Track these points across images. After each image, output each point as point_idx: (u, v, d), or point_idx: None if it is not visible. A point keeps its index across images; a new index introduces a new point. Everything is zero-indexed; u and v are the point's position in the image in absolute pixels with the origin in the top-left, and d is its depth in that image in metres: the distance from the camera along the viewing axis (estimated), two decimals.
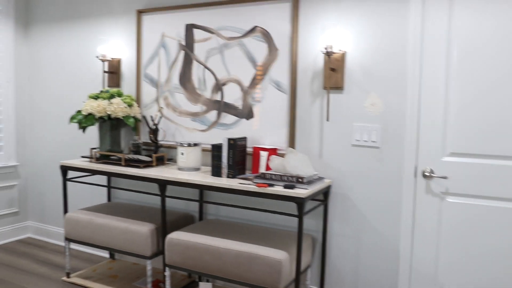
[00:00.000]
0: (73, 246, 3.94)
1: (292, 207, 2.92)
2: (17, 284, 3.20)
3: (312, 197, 2.55)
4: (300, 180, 2.51)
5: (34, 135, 4.19)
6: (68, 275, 3.30)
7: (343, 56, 2.70)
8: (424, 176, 2.56)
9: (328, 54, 2.62)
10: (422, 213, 2.60)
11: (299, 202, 2.40)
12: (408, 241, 2.64)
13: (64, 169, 3.26)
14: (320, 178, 2.72)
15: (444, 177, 2.51)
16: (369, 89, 2.66)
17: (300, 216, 2.41)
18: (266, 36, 2.93)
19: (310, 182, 2.55)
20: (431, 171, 2.55)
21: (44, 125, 4.11)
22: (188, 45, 3.24)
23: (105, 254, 3.79)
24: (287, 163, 2.57)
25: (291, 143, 2.90)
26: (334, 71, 2.72)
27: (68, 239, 3.22)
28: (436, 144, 2.53)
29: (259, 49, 2.96)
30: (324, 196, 2.81)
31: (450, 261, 2.55)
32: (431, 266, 2.60)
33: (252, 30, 2.98)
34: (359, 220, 2.77)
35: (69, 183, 3.93)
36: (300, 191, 2.41)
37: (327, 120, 2.74)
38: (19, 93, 4.11)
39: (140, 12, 3.41)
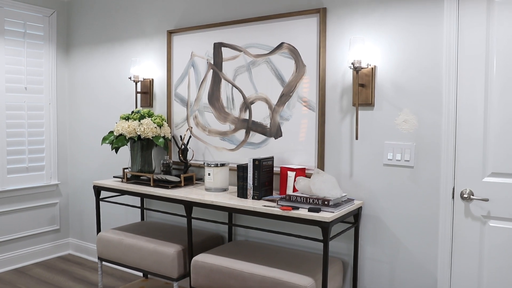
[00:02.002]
0: (108, 263, 3.99)
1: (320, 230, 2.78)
2: None
3: (340, 220, 2.41)
4: (326, 202, 2.38)
5: (73, 154, 4.31)
6: None
7: (372, 71, 2.57)
8: (463, 198, 2.36)
9: (357, 69, 2.50)
10: (461, 237, 2.39)
11: (324, 226, 2.27)
12: (446, 267, 2.43)
13: (97, 189, 3.31)
14: (349, 200, 2.58)
15: (485, 200, 2.30)
16: (401, 105, 2.51)
17: (325, 241, 2.28)
18: (293, 53, 2.85)
19: (337, 204, 2.42)
20: (471, 193, 2.35)
21: (82, 145, 4.22)
22: (216, 64, 3.22)
23: (139, 272, 3.80)
24: (312, 185, 2.46)
25: (320, 162, 2.78)
26: (363, 86, 2.59)
27: (101, 259, 3.25)
28: (475, 163, 2.33)
29: (286, 66, 2.89)
30: (354, 218, 2.66)
31: None
32: None
33: (279, 46, 2.91)
34: (392, 244, 2.59)
35: (105, 202, 3.99)
36: (325, 215, 2.29)
37: (356, 138, 2.60)
38: (59, 115, 4.26)
39: (170, 33, 3.44)
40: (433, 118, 2.42)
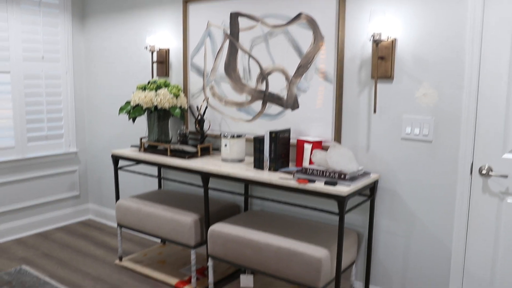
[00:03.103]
0: (127, 230, 4.10)
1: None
2: (74, 266, 3.38)
3: (356, 194, 2.43)
4: (342, 176, 2.40)
5: (91, 123, 4.36)
6: (120, 258, 3.43)
7: (392, 44, 2.52)
8: (481, 174, 2.35)
9: (376, 42, 2.45)
10: (478, 213, 2.39)
11: (340, 200, 2.29)
12: (461, 242, 2.45)
13: (115, 158, 3.37)
14: (366, 173, 2.59)
15: (505, 176, 2.29)
16: (421, 78, 2.47)
17: (341, 215, 2.31)
18: (312, 24, 2.80)
19: (353, 178, 2.43)
20: (489, 169, 2.33)
21: (100, 114, 4.26)
22: (233, 34, 3.18)
23: (157, 239, 3.91)
24: (329, 158, 2.46)
25: (337, 135, 2.77)
26: (383, 59, 2.55)
27: (120, 225, 3.35)
28: (496, 139, 2.30)
29: (304, 37, 2.84)
30: (371, 191, 2.67)
31: (508, 266, 2.34)
32: (486, 270, 2.40)
33: (297, 17, 2.86)
34: (408, 217, 2.61)
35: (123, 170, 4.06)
36: (341, 189, 2.30)
37: (375, 111, 2.58)
38: (77, 84, 4.28)
39: (186, 2, 3.39)
40: (454, 92, 2.38)
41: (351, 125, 2.74)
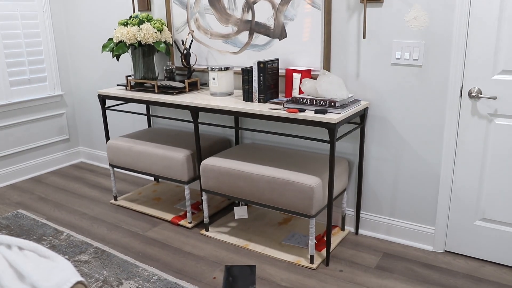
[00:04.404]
0: (120, 170, 4.12)
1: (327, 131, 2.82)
2: (71, 207, 3.42)
3: (346, 121, 2.42)
4: (332, 104, 2.38)
5: (75, 64, 4.24)
6: (115, 198, 3.47)
7: None
8: (471, 96, 2.35)
9: None
10: (467, 136, 2.42)
11: (330, 127, 2.29)
12: (449, 165, 2.49)
13: (102, 98, 3.31)
14: (356, 101, 2.57)
15: (494, 98, 2.29)
16: (412, 1, 2.39)
17: (331, 142, 2.32)
18: None
19: (343, 106, 2.42)
20: (479, 91, 2.33)
21: (83, 53, 4.13)
22: None
23: (150, 177, 3.94)
24: (319, 86, 2.43)
25: (326, 63, 2.72)
26: None
27: (112, 165, 3.35)
28: (485, 61, 2.28)
29: None
30: (361, 118, 2.67)
31: (495, 188, 2.40)
32: (473, 192, 2.47)
33: None
34: (398, 143, 2.63)
35: (111, 110, 4.01)
36: (332, 116, 2.29)
37: (364, 37, 2.52)
38: (56, 23, 4.11)
39: None
40: (445, 14, 2.32)
41: (340, 52, 2.69)
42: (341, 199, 2.90)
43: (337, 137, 2.37)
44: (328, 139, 2.35)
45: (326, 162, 2.67)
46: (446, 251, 2.64)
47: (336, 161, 2.70)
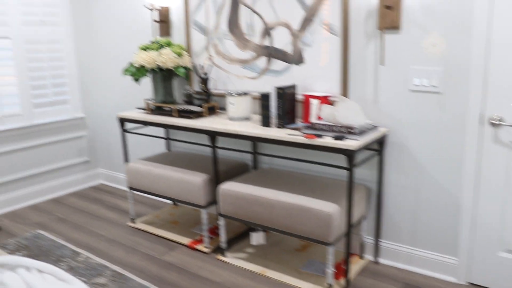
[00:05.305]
0: (138, 192, 4.14)
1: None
2: (89, 229, 3.45)
3: (364, 148, 2.41)
4: (350, 130, 2.37)
5: (96, 87, 4.33)
6: (133, 220, 3.49)
7: None
8: (492, 124, 2.31)
9: None
10: (488, 164, 2.37)
11: (349, 154, 2.28)
12: (470, 195, 2.44)
13: (122, 121, 3.36)
14: (374, 127, 2.55)
15: None
16: (430, 27, 2.38)
17: (350, 169, 2.30)
18: None
19: (361, 132, 2.40)
20: (500, 119, 2.29)
21: (103, 77, 4.22)
22: None
23: (168, 200, 3.95)
24: (337, 113, 2.43)
25: (344, 89, 2.72)
26: (389, 9, 2.46)
27: (131, 188, 3.38)
28: (507, 88, 2.24)
29: None
30: (379, 145, 2.64)
31: None
32: (496, 222, 2.40)
33: None
34: (417, 171, 2.59)
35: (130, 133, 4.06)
36: (350, 143, 2.28)
37: (382, 64, 2.51)
38: (78, 47, 4.21)
39: None
40: (463, 41, 2.30)
41: (358, 78, 2.68)
42: (360, 226, 2.86)
43: (355, 164, 2.35)
44: (346, 165, 2.33)
45: (344, 188, 2.64)
46: (469, 283, 2.56)
47: (355, 187, 2.67)
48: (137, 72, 3.20)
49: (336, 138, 2.35)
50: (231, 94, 2.90)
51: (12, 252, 3.04)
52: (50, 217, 3.70)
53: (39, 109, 3.98)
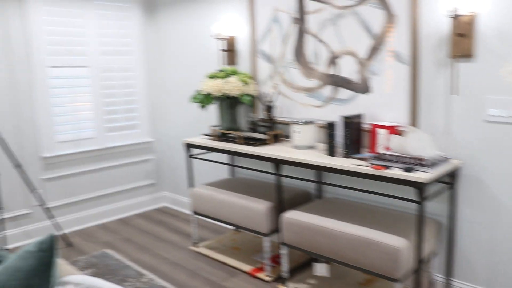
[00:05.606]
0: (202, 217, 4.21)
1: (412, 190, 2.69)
2: (153, 250, 3.54)
3: (436, 181, 2.30)
4: (421, 162, 2.28)
5: (164, 113, 4.51)
6: (195, 244, 3.54)
7: (473, 19, 2.33)
8: None
9: (455, 17, 2.28)
10: None
11: (420, 187, 2.19)
12: None
13: (188, 146, 3.46)
14: (446, 159, 2.45)
15: None
16: (507, 55, 2.27)
17: (420, 202, 2.21)
18: (383, 2, 2.67)
19: (433, 164, 2.31)
20: None
21: (172, 104, 4.39)
22: (300, 18, 3.11)
23: (230, 226, 3.98)
24: (407, 143, 2.35)
25: (413, 119, 2.64)
26: (462, 36, 2.37)
27: (195, 212, 3.44)
28: None
29: (375, 17, 2.72)
30: (451, 178, 2.52)
31: None
32: None
33: None
34: (494, 206, 2.44)
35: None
36: (421, 175, 2.20)
37: (455, 93, 2.42)
38: (148, 75, 4.43)
39: None
40: None
41: (428, 108, 2.60)
42: (429, 263, 2.72)
43: (426, 197, 2.25)
44: (415, 198, 2.24)
45: (412, 222, 2.54)
46: None
47: (425, 222, 2.55)
48: (204, 100, 3.30)
49: (406, 169, 2.27)
50: (296, 122, 2.91)
51: (82, 268, 3.18)
52: (117, 237, 3.85)
53: (111, 133, 4.20)
